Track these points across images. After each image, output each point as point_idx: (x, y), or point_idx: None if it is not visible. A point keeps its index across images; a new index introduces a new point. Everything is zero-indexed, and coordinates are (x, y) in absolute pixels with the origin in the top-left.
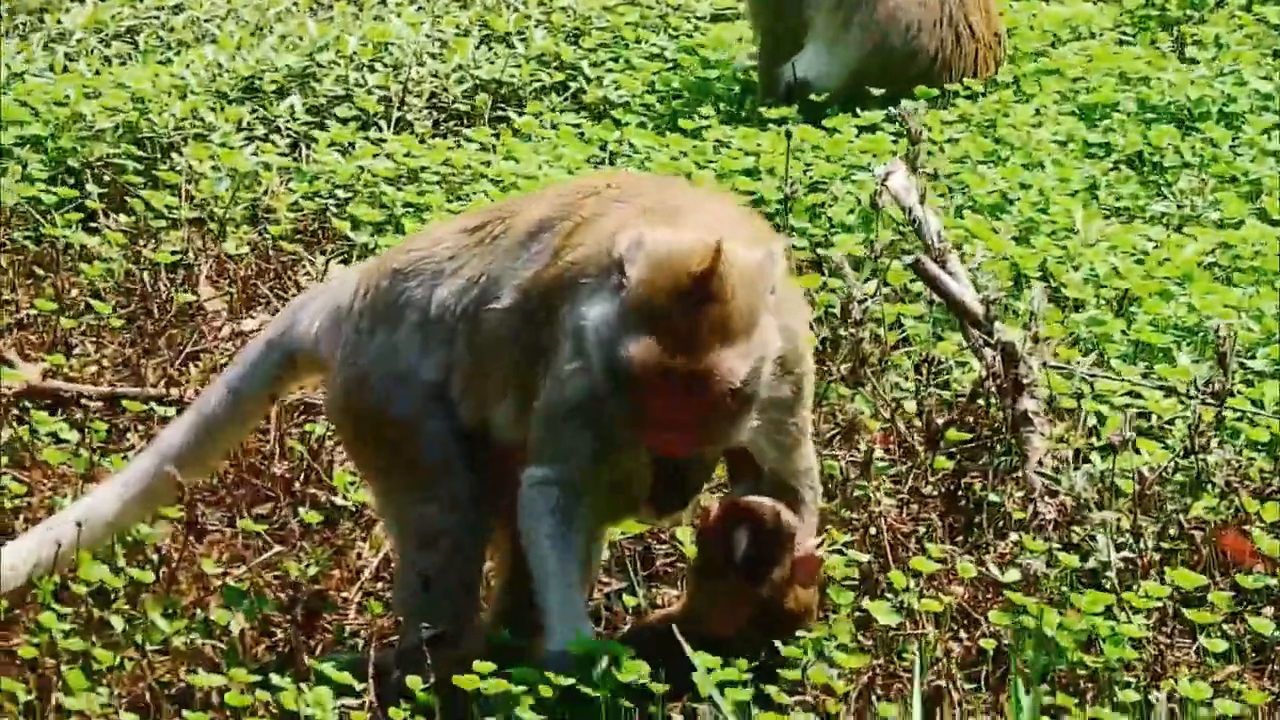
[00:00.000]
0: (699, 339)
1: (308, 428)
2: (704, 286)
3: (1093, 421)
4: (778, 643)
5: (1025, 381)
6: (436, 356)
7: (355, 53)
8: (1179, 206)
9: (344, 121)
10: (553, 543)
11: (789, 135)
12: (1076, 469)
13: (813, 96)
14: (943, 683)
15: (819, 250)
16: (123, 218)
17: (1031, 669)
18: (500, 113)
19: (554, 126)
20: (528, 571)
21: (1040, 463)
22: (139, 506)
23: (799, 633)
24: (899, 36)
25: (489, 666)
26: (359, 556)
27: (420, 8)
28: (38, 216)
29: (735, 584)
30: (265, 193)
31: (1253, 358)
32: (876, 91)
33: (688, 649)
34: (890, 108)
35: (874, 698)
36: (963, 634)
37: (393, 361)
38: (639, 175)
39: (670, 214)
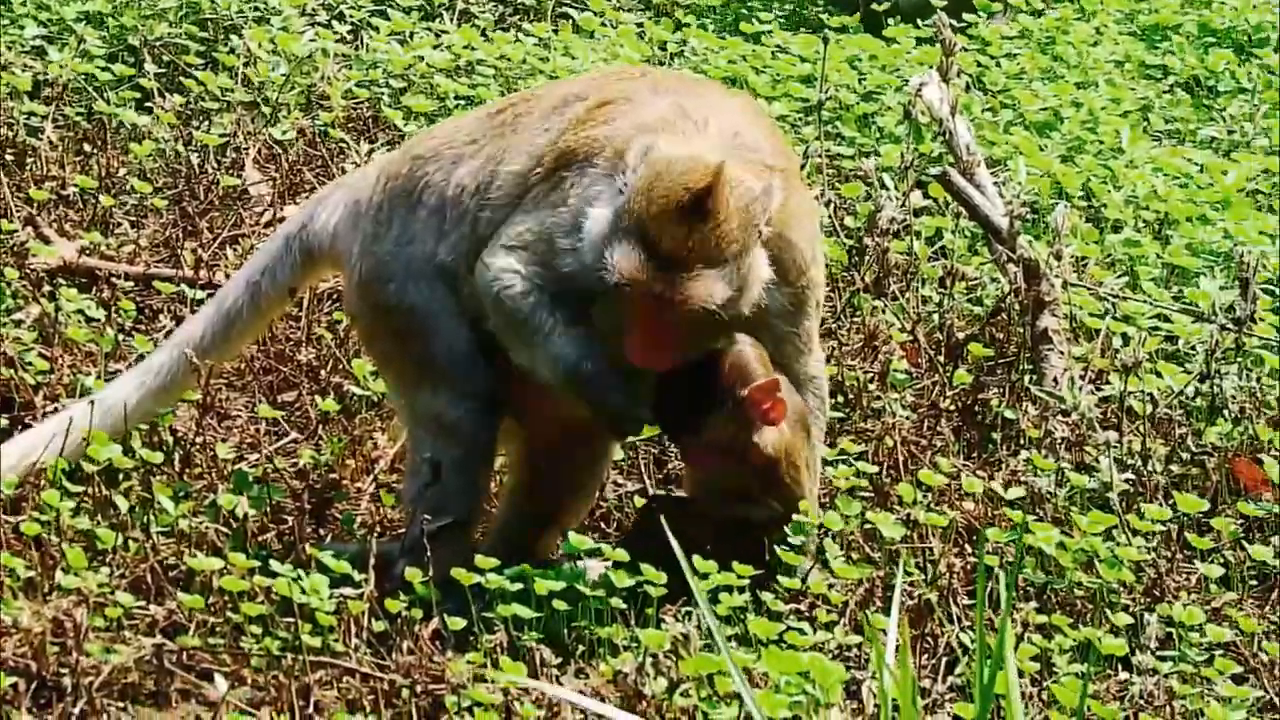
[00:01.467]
0: (681, 258)
1: (336, 316)
2: (697, 206)
3: (1117, 343)
4: (777, 549)
5: (1047, 299)
6: (452, 238)
7: None
8: (1229, 132)
9: (406, 11)
10: (536, 305)
11: (825, 41)
12: (1095, 390)
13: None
14: (932, 596)
15: (864, 159)
16: (176, 98)
17: (1011, 586)
18: (564, 8)
19: (615, 25)
20: (541, 467)
21: (1055, 381)
22: (159, 397)
23: (784, 495)
24: None
25: (492, 562)
26: (375, 447)
27: None
28: (92, 93)
29: (689, 439)
30: (320, 78)
31: None
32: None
33: (680, 555)
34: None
35: (870, 610)
36: (968, 549)
37: (409, 249)
38: (674, 71)
39: (690, 123)
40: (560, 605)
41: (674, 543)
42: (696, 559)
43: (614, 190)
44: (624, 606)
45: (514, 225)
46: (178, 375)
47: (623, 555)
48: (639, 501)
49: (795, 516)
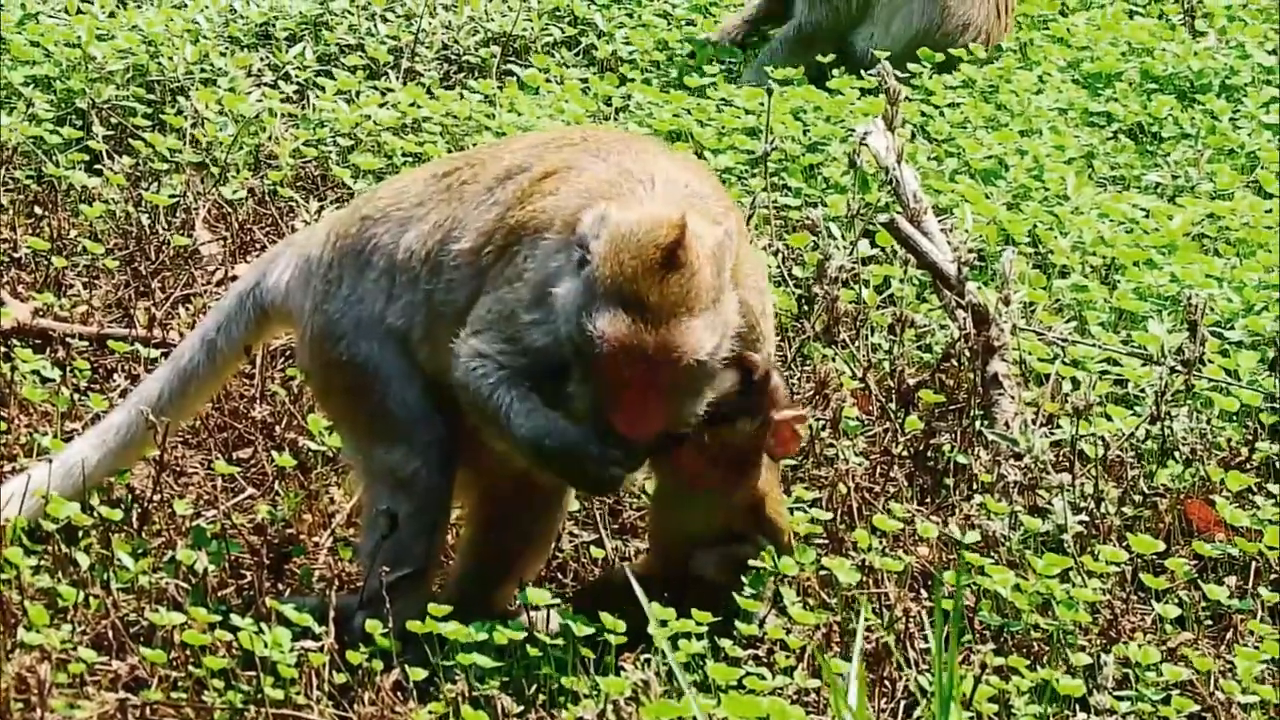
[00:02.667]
0: (667, 310)
1: (289, 372)
2: (670, 259)
3: (1067, 387)
4: (735, 595)
5: (996, 344)
6: (401, 302)
7: (369, 1)
8: (1174, 177)
9: (352, 70)
10: (508, 389)
11: (769, 92)
12: (1047, 434)
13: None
14: (890, 639)
15: (810, 209)
16: (125, 160)
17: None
18: (509, 65)
19: (560, 81)
20: (497, 518)
21: (1007, 425)
22: (118, 456)
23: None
24: (953, 12)
25: (445, 609)
26: (332, 502)
27: None
28: (42, 156)
29: (710, 428)
30: (269, 138)
31: (1231, 328)
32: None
33: (644, 601)
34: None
35: (829, 654)
36: (923, 593)
37: (359, 308)
38: (612, 132)
39: (637, 184)
40: (523, 654)
41: (636, 588)
42: (655, 606)
43: (573, 263)
44: (586, 653)
45: (477, 310)
46: (136, 434)
47: (575, 616)
48: (596, 552)
49: (777, 556)
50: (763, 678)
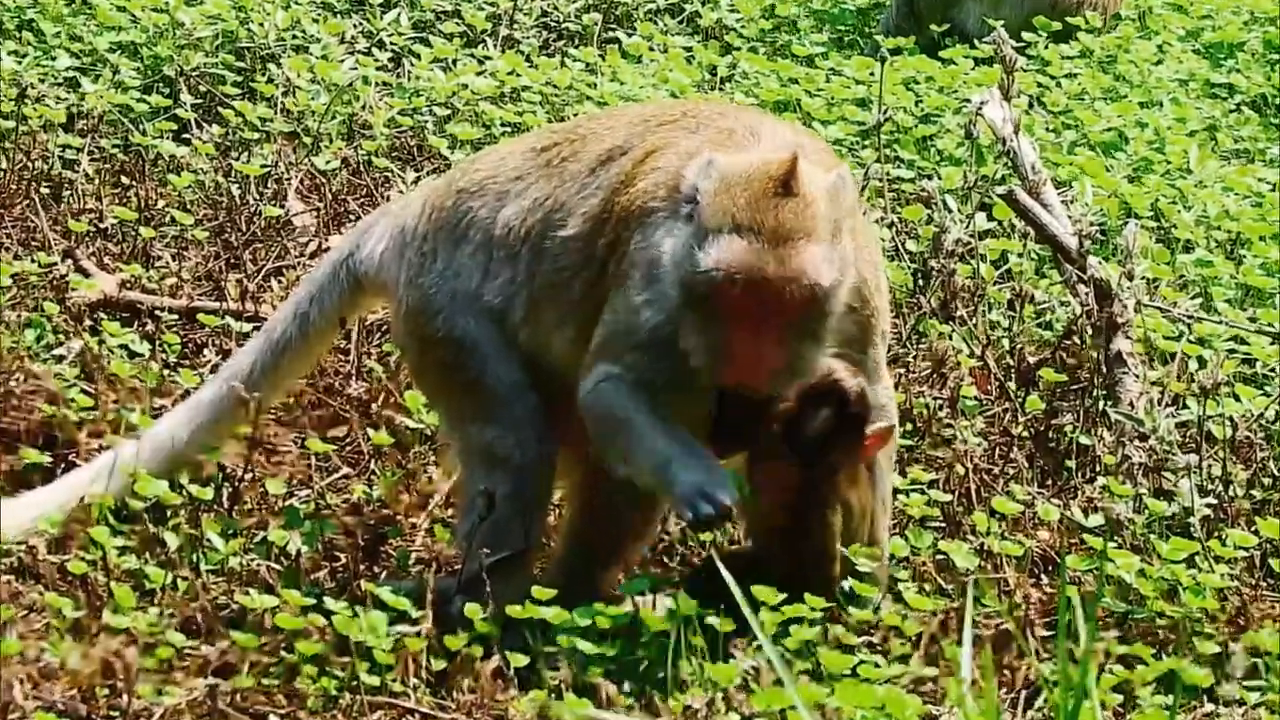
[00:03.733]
0: (784, 235)
1: (386, 347)
2: (785, 186)
3: (1193, 366)
4: (850, 581)
5: (1120, 321)
6: (499, 279)
7: None
8: None
9: (449, 37)
10: (635, 407)
11: (883, 60)
12: (1173, 414)
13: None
14: (1011, 625)
15: (924, 182)
16: (215, 129)
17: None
18: (611, 33)
19: (663, 49)
20: (599, 500)
21: (1132, 405)
22: (209, 433)
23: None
24: None
25: (549, 593)
26: (430, 481)
27: None
28: (128, 125)
29: (791, 460)
30: (363, 107)
31: None
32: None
33: (736, 591)
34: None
35: (946, 642)
36: (1044, 579)
37: (454, 283)
38: (715, 104)
39: (741, 139)
40: (629, 640)
41: (725, 574)
42: (761, 590)
43: (681, 217)
44: (695, 641)
45: (600, 327)
46: (226, 409)
47: (687, 602)
48: (704, 535)
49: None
50: (877, 665)
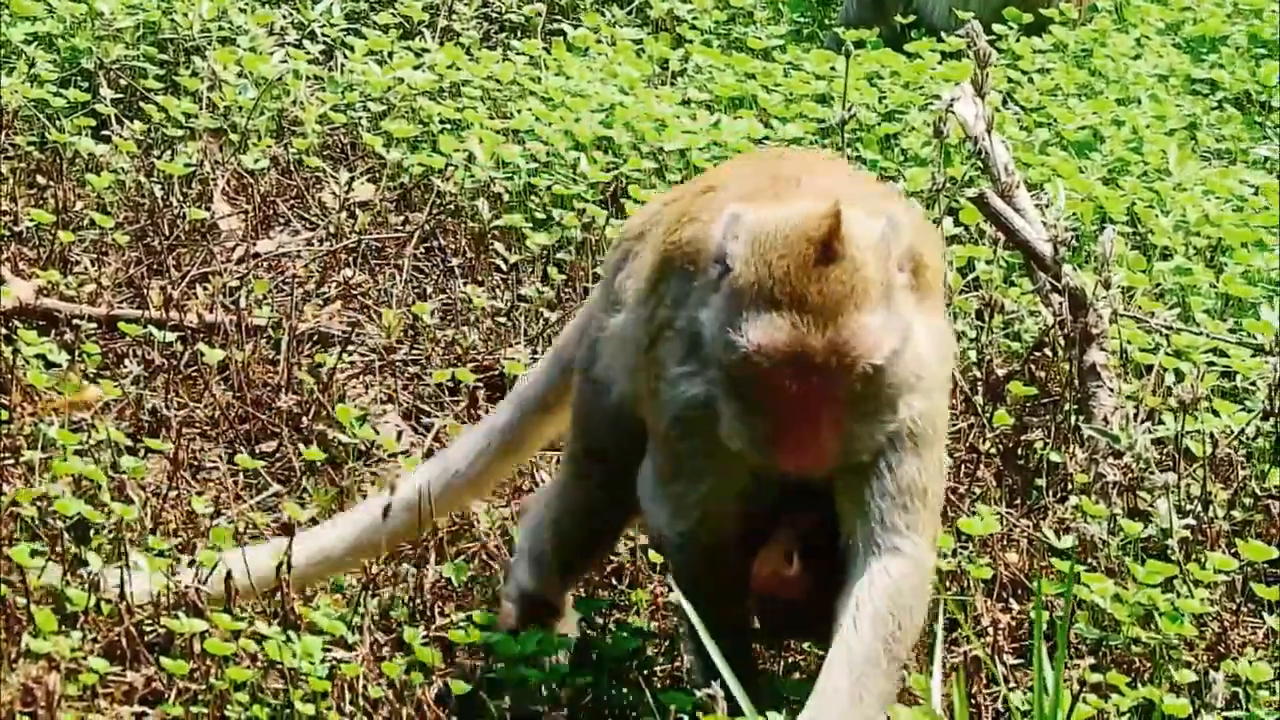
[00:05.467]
0: (831, 308)
1: (318, 359)
2: (827, 249)
3: (1170, 379)
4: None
5: (1094, 332)
6: (599, 348)
7: None
8: None
9: (384, 29)
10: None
11: (845, 54)
12: (1149, 430)
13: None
14: (980, 653)
15: (889, 184)
16: (136, 125)
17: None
18: (556, 24)
19: (611, 42)
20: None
21: (1106, 420)
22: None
23: None
24: None
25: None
26: (364, 498)
27: None
28: (44, 121)
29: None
30: (293, 103)
31: None
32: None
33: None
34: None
35: (912, 669)
36: (1013, 603)
37: (583, 342)
38: (806, 152)
39: (781, 186)
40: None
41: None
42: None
43: (713, 280)
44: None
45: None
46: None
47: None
48: (654, 556)
49: None
50: None
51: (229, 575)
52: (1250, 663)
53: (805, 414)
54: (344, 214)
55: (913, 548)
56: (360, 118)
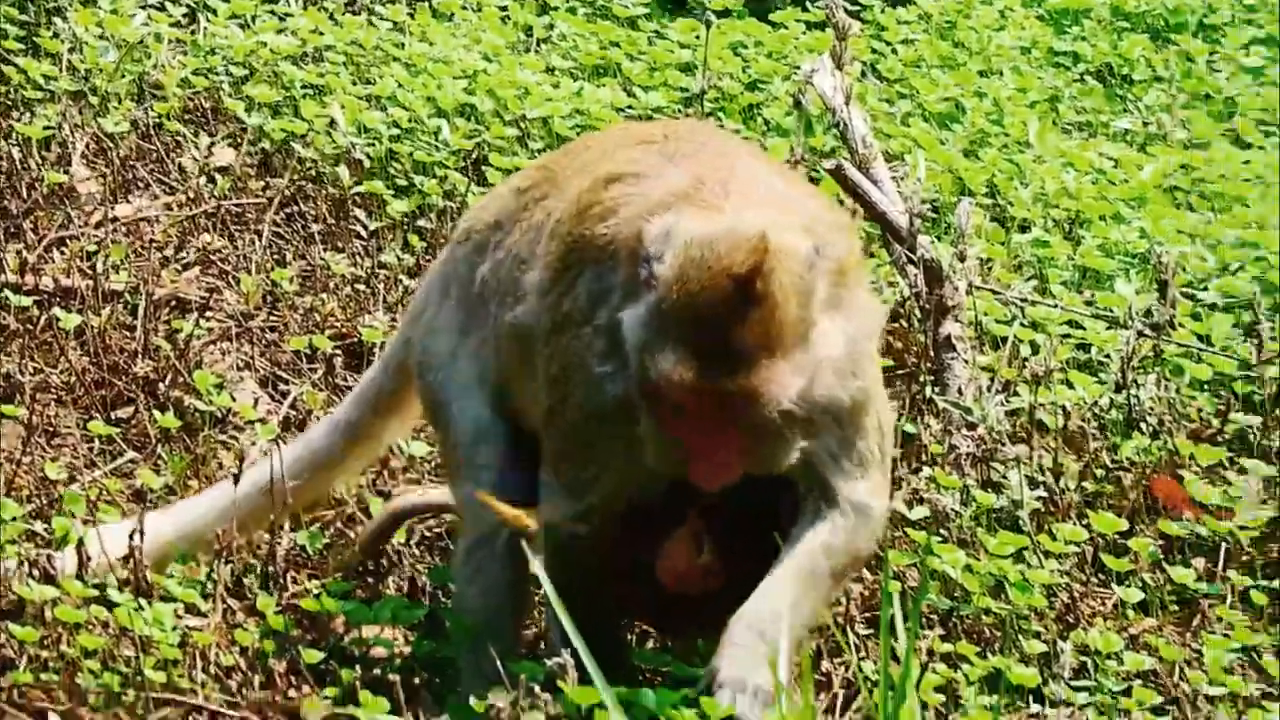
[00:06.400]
0: (742, 354)
1: (175, 325)
2: (746, 293)
3: (1025, 351)
4: None
5: (950, 304)
6: (473, 340)
7: None
8: (1145, 123)
9: None
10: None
11: (708, 24)
12: (1003, 401)
13: None
14: (829, 624)
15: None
16: None
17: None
18: None
19: (477, 8)
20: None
21: (960, 392)
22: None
23: None
24: None
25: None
26: (220, 467)
27: None
28: None
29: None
30: (154, 66)
31: (1204, 289)
32: None
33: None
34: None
35: None
36: (866, 573)
37: (437, 339)
38: (702, 129)
39: (708, 197)
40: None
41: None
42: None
43: (640, 284)
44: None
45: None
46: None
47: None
48: None
49: None
50: (690, 665)
51: (80, 542)
52: (1099, 633)
53: (714, 441)
54: (204, 179)
55: (862, 497)
56: (222, 82)
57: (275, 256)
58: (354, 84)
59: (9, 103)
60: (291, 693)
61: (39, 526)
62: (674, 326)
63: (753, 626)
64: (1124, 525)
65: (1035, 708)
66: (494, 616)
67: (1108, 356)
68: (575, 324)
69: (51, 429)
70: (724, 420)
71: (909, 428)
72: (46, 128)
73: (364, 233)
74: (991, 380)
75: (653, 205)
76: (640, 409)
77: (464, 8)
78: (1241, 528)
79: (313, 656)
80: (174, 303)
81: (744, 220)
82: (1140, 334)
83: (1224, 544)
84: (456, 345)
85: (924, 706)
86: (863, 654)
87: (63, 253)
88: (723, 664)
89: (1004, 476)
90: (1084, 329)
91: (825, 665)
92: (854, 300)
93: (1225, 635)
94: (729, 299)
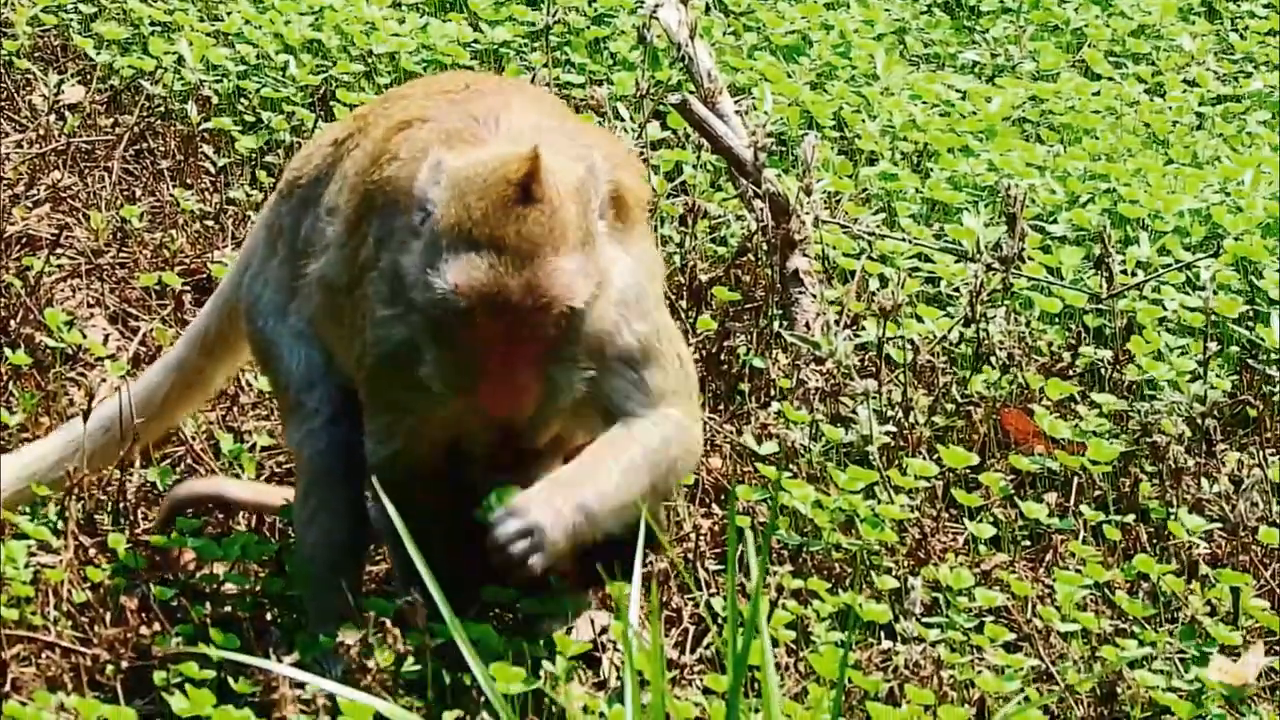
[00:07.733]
0: (528, 250)
1: (26, 262)
2: (525, 193)
3: (874, 285)
4: None
5: (797, 238)
6: (299, 298)
7: None
8: (993, 55)
9: None
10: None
11: None
12: (852, 335)
13: None
14: (678, 559)
15: (595, 88)
16: None
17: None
18: None
19: None
20: None
21: (808, 326)
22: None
23: None
24: None
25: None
26: (71, 404)
27: None
28: None
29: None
30: (4, 4)
31: (1053, 222)
32: None
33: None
34: None
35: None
36: (716, 509)
37: (266, 290)
38: (494, 79)
39: (479, 128)
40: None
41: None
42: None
43: (415, 225)
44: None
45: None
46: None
47: None
48: None
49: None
50: (541, 603)
51: None
52: (951, 569)
53: (504, 357)
54: (53, 116)
55: (675, 416)
56: (71, 20)
57: (125, 193)
58: (202, 20)
59: None
60: (143, 629)
61: None
62: (454, 239)
63: (557, 480)
64: (974, 460)
65: (887, 644)
66: (336, 557)
67: (957, 290)
68: (366, 272)
69: None
70: (513, 331)
71: (757, 362)
72: None
73: (212, 169)
74: (840, 314)
75: (426, 144)
76: (426, 343)
77: None
78: (1094, 462)
79: (164, 593)
80: (24, 240)
81: (515, 147)
82: (989, 267)
83: (1075, 478)
84: (285, 301)
85: (774, 643)
86: (712, 590)
87: None
88: (516, 498)
89: (853, 411)
90: (933, 262)
91: (675, 601)
92: (639, 240)
93: (1077, 571)
94: (506, 201)
